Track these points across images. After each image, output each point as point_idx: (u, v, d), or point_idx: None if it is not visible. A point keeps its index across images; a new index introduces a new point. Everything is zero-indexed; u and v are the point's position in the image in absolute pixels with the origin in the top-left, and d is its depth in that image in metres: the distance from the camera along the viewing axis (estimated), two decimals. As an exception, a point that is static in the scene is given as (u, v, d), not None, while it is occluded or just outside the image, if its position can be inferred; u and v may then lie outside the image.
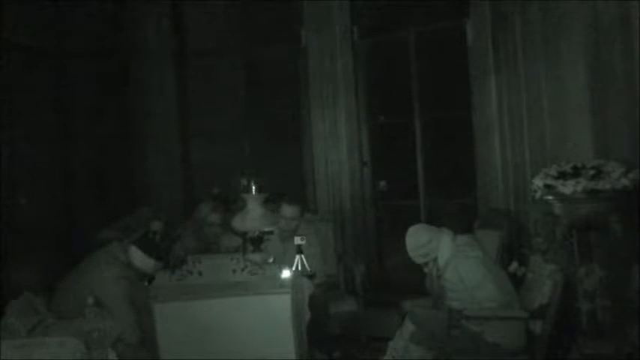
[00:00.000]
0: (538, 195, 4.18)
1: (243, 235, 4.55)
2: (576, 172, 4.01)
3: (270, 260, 4.31)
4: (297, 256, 4.52)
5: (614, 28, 4.25)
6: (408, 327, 4.34)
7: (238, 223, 4.52)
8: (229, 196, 6.01)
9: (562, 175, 4.04)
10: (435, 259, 4.29)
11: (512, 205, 5.26)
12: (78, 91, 6.21)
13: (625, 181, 3.91)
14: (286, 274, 4.15)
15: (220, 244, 5.01)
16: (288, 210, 5.01)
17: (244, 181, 4.54)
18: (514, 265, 4.48)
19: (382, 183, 6.39)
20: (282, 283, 3.89)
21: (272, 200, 5.27)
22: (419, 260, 4.35)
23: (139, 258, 4.08)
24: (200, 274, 3.58)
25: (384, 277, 6.26)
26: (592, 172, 3.97)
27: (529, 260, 4.43)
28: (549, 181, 4.07)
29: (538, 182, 4.15)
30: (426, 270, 4.40)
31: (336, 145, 6.35)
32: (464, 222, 5.27)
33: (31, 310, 3.31)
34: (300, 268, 4.44)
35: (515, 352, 4.06)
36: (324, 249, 5.39)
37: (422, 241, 4.31)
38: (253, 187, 4.48)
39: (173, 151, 6.59)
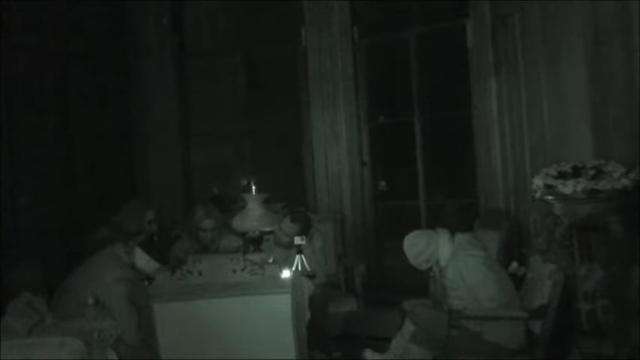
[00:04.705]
0: (538, 195, 4.18)
1: (243, 235, 4.54)
2: (576, 172, 4.02)
3: (270, 260, 4.30)
4: (297, 256, 4.52)
5: (614, 28, 4.25)
6: (408, 327, 4.34)
7: (238, 223, 4.51)
8: (228, 196, 6.02)
9: (562, 175, 4.04)
10: (437, 261, 4.28)
11: (512, 205, 5.26)
12: (78, 91, 6.21)
13: (625, 181, 3.92)
14: (286, 274, 4.15)
15: (219, 245, 5.00)
16: (288, 226, 4.98)
17: (244, 181, 4.54)
18: (514, 265, 4.48)
19: (382, 183, 6.39)
20: (282, 283, 3.89)
21: (283, 208, 5.27)
22: (423, 267, 4.34)
23: (143, 260, 4.09)
24: (200, 274, 3.57)
25: (384, 277, 6.26)
26: (592, 172, 3.98)
27: (529, 260, 4.43)
28: (549, 181, 4.08)
29: (538, 182, 4.15)
30: (431, 274, 4.39)
31: (336, 145, 6.35)
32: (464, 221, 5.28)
33: (31, 310, 3.30)
34: (300, 268, 4.44)
35: (515, 352, 4.06)
36: (324, 249, 5.39)
37: (420, 248, 4.30)
38: (253, 187, 4.48)
39: (173, 151, 6.59)
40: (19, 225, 5.57)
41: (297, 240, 4.56)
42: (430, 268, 4.36)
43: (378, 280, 6.17)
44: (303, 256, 4.54)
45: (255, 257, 4.17)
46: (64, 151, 6.11)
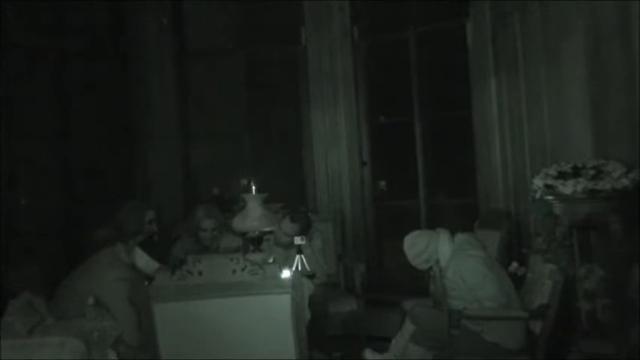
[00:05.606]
0: (538, 195, 4.17)
1: (243, 235, 4.54)
2: (576, 172, 4.01)
3: (270, 260, 4.30)
4: (297, 256, 4.52)
5: (614, 28, 4.24)
6: (408, 327, 4.34)
7: (238, 223, 4.51)
8: (228, 196, 6.03)
9: (562, 175, 4.04)
10: (437, 261, 4.28)
11: (512, 205, 5.26)
12: (78, 91, 6.21)
13: (625, 181, 3.91)
14: (286, 274, 4.15)
15: (219, 245, 5.01)
16: (288, 225, 4.97)
17: (244, 181, 4.54)
18: (514, 265, 4.48)
19: (382, 183, 6.39)
20: (282, 283, 3.89)
21: (283, 208, 5.27)
22: (423, 267, 4.34)
23: (143, 260, 4.09)
24: (200, 274, 3.57)
25: (384, 277, 6.26)
26: (592, 172, 3.97)
27: (529, 260, 4.42)
28: (549, 181, 4.07)
29: (538, 182, 4.15)
30: (432, 273, 4.39)
31: (336, 145, 6.36)
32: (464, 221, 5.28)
33: (31, 310, 3.30)
34: (300, 268, 4.44)
35: (515, 352, 4.06)
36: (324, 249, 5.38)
37: (421, 248, 4.30)
38: (253, 187, 4.48)
39: (173, 151, 6.59)
40: (19, 225, 5.57)
41: (297, 240, 4.57)
42: (430, 268, 4.36)
43: (378, 280, 6.18)
44: (303, 256, 4.55)
45: (255, 257, 4.17)
46: (63, 151, 6.10)
